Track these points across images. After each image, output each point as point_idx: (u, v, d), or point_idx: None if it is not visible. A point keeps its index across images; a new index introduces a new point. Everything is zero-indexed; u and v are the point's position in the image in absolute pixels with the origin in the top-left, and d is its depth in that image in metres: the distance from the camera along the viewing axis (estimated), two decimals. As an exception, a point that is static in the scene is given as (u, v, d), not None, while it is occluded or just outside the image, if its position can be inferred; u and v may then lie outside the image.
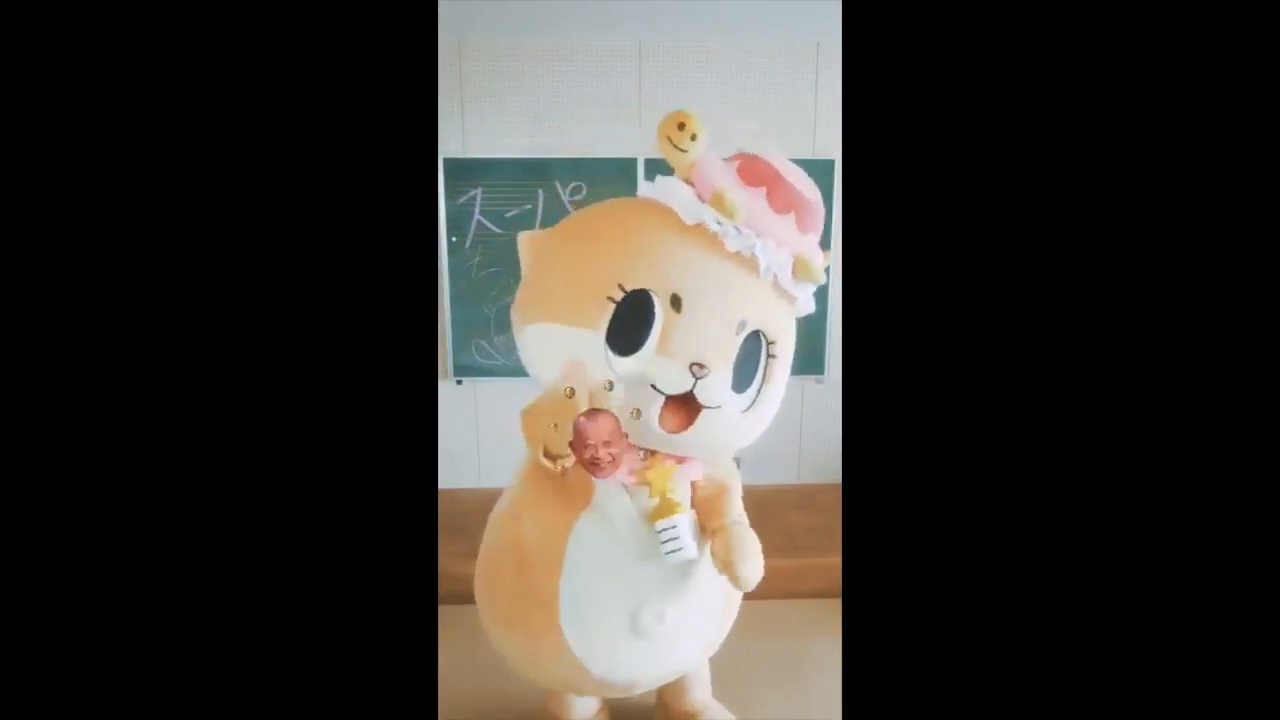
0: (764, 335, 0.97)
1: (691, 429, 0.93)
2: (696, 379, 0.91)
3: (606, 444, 0.90)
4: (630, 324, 0.91)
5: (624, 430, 0.91)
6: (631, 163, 2.29)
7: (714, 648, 1.21)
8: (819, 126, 2.32)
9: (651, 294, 0.91)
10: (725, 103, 2.29)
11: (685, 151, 0.90)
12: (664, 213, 0.94)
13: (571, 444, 0.91)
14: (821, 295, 2.45)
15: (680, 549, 0.96)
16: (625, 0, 1.96)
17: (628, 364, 0.92)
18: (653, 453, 0.99)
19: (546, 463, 0.96)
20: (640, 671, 1.09)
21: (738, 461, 1.16)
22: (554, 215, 2.33)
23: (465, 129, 2.31)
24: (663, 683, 1.18)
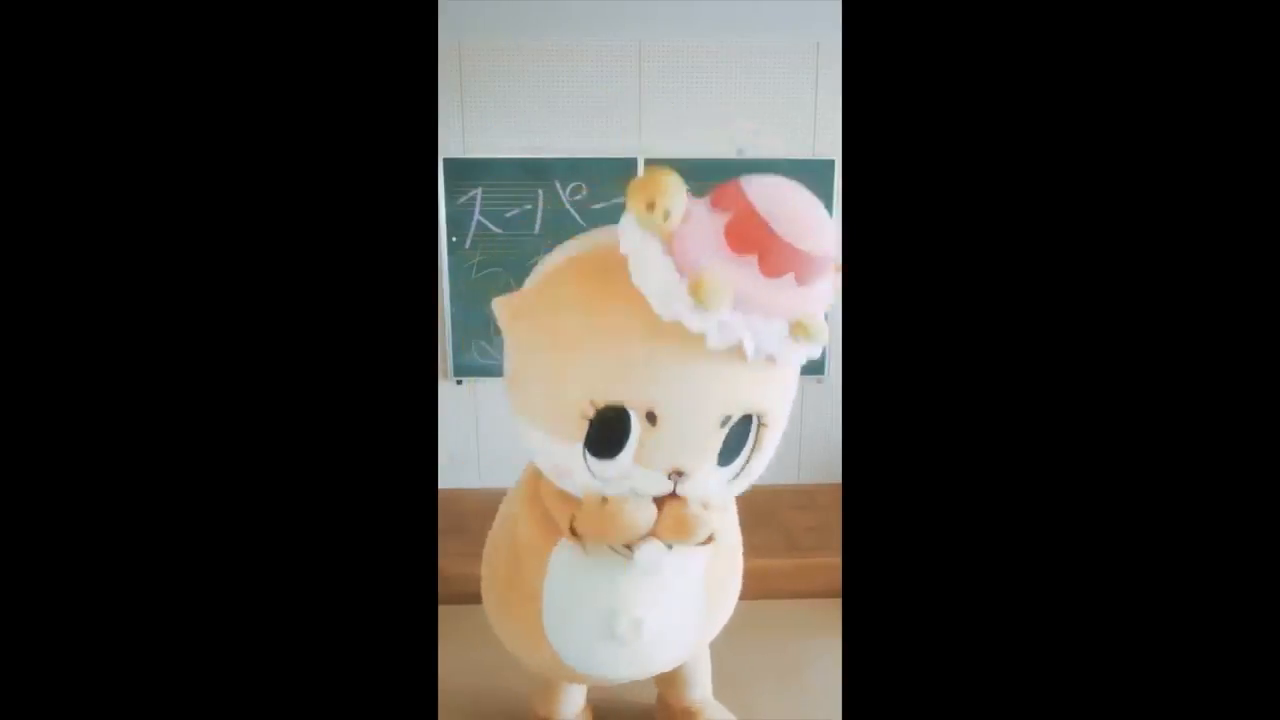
0: (756, 417, 0.93)
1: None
2: (676, 483, 0.92)
3: None
4: (607, 435, 0.89)
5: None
6: (631, 163, 2.29)
7: (700, 647, 1.23)
8: (819, 126, 2.31)
9: (627, 408, 0.87)
10: (725, 103, 2.29)
11: (662, 222, 0.80)
12: (639, 308, 0.83)
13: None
14: (821, 295, 2.43)
15: (648, 570, 0.99)
16: (625, 0, 1.96)
17: (609, 468, 0.91)
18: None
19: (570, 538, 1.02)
20: (616, 671, 1.12)
21: None
22: (554, 215, 2.33)
23: (465, 129, 2.31)
24: (645, 677, 1.21)
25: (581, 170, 2.30)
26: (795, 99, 2.30)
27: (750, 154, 2.29)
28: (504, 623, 1.17)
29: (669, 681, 1.33)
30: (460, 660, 1.44)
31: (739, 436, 0.94)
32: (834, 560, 1.84)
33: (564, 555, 1.05)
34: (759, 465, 1.00)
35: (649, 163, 2.26)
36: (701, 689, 1.35)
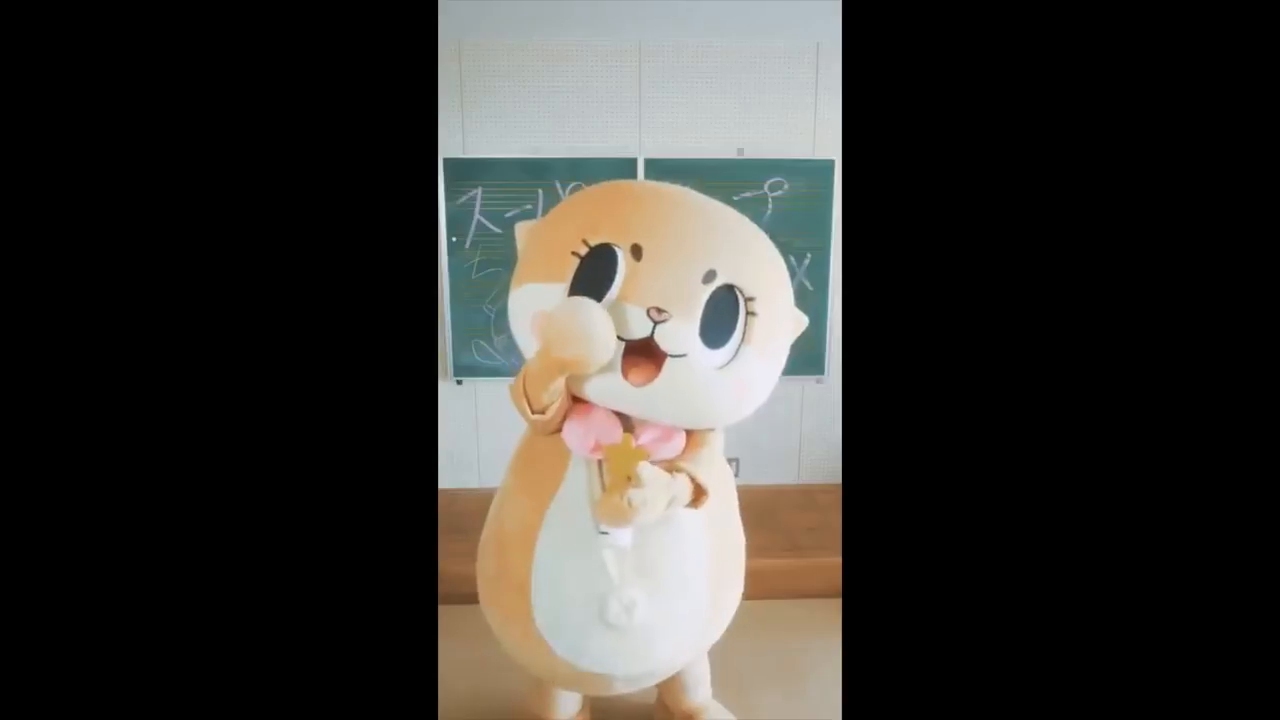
0: (739, 290, 0.96)
1: (658, 379, 0.93)
2: (655, 323, 0.92)
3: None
4: (595, 275, 0.94)
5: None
6: (631, 163, 2.29)
7: (701, 650, 1.19)
8: (819, 126, 2.31)
9: (614, 246, 0.93)
10: (725, 103, 2.29)
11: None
12: (634, 180, 0.98)
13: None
14: (821, 295, 2.45)
15: (610, 534, 0.96)
16: (625, 0, 1.96)
17: None
18: (630, 430, 0.98)
19: (536, 418, 0.99)
20: (611, 664, 1.06)
21: (735, 463, 1.16)
22: (554, 215, 2.32)
23: (465, 129, 2.31)
24: (643, 682, 1.15)
25: (581, 170, 2.30)
26: (795, 99, 2.30)
27: (750, 154, 2.29)
28: (496, 618, 1.14)
29: (669, 684, 1.33)
30: (460, 660, 1.45)
31: (724, 312, 0.95)
32: (834, 560, 1.84)
33: (551, 538, 1.02)
34: (752, 371, 0.98)
35: (649, 163, 2.26)
36: (702, 691, 1.34)
